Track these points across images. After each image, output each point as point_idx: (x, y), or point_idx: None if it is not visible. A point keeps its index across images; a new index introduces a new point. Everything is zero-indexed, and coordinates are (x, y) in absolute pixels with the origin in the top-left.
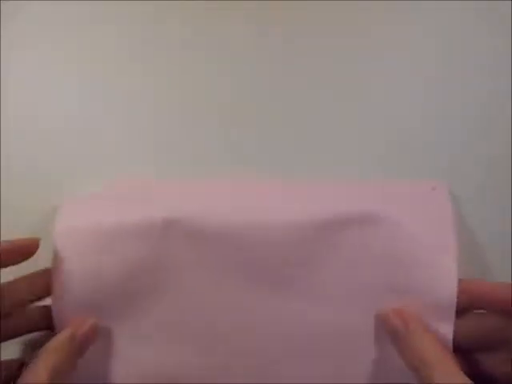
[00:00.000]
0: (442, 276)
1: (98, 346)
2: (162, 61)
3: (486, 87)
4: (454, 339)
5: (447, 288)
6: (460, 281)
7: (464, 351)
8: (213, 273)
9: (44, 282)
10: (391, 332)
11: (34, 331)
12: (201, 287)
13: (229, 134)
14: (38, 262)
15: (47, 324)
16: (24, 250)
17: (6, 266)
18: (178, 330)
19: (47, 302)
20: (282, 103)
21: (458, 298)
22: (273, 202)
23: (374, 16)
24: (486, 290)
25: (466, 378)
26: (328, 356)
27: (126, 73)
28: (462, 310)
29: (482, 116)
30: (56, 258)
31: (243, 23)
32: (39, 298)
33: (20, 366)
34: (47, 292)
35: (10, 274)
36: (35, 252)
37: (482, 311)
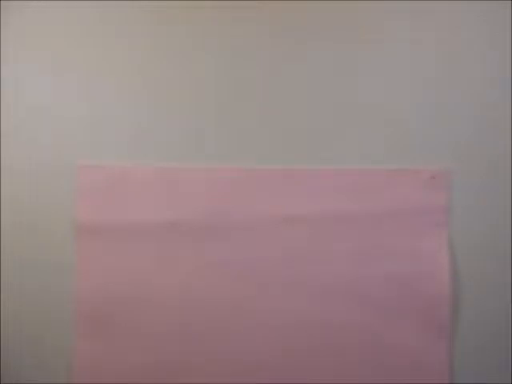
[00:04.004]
0: (436, 270)
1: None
2: (163, 65)
3: (486, 86)
4: None
5: (440, 281)
6: None
7: None
8: (214, 272)
9: None
10: None
11: None
12: (201, 286)
13: (233, 129)
14: (38, 258)
15: None
16: None
17: None
18: (178, 329)
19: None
20: (282, 101)
21: None
22: (273, 197)
23: (376, 16)
24: None
25: None
26: (328, 351)
27: (126, 73)
28: None
29: (482, 115)
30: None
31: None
32: None
33: None
34: None
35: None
36: None
37: None
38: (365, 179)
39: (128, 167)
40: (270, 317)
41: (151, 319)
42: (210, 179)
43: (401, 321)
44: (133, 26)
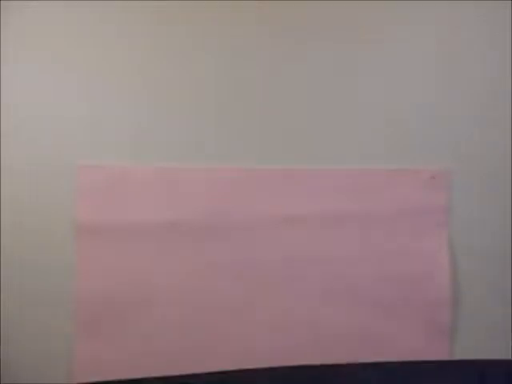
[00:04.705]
0: (436, 270)
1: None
2: (164, 66)
3: (486, 86)
4: None
5: (440, 281)
6: None
7: None
8: (214, 272)
9: None
10: None
11: None
12: (201, 286)
13: (233, 129)
14: (38, 258)
15: None
16: None
17: None
18: (178, 329)
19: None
20: (282, 101)
21: None
22: (273, 197)
23: (376, 16)
24: None
25: None
26: (328, 351)
27: (126, 73)
28: None
29: (482, 115)
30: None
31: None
32: None
33: None
34: None
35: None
36: None
37: None
38: (365, 179)
39: (128, 167)
40: (270, 316)
41: (151, 319)
42: (210, 179)
43: (401, 321)
44: (133, 26)
